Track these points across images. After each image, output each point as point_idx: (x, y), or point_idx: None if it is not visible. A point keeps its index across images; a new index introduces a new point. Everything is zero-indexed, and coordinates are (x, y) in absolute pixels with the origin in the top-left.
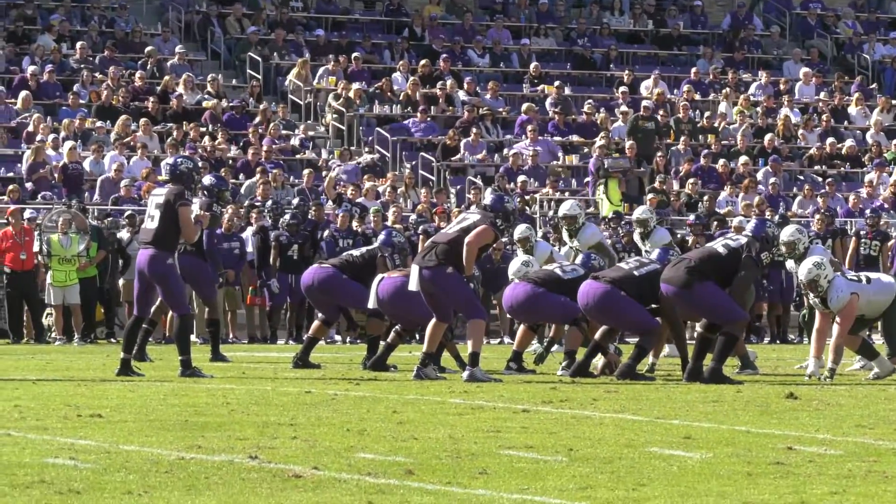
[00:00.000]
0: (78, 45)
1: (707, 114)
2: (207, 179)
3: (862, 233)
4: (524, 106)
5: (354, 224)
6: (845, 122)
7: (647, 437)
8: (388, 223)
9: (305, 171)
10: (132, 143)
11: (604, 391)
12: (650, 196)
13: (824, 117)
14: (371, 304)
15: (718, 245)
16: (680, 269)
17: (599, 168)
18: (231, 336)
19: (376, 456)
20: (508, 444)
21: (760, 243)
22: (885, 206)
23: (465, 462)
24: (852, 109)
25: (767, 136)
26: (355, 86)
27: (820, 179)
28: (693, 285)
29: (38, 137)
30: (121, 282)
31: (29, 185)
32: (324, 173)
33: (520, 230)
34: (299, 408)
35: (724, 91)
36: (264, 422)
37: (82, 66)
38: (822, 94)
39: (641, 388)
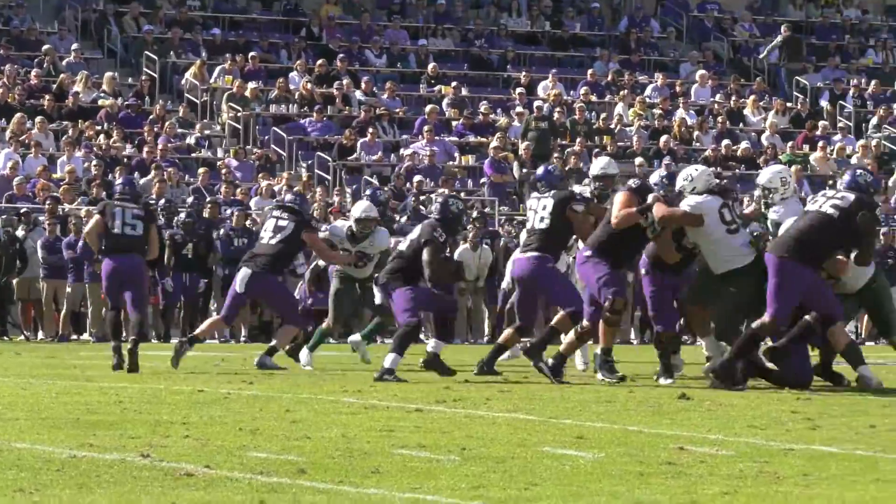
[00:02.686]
0: None
1: (603, 115)
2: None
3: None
4: (427, 108)
5: (248, 223)
6: (741, 125)
7: (539, 436)
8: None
9: (201, 170)
10: (27, 141)
11: (497, 391)
12: None
13: (720, 119)
14: None
15: (826, 207)
16: (788, 238)
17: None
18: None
19: (269, 455)
20: (401, 444)
21: (866, 195)
22: None
23: (357, 461)
24: (748, 112)
25: (663, 138)
26: (251, 85)
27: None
28: (796, 256)
29: None
30: (15, 280)
31: None
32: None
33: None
34: (192, 406)
35: (620, 93)
36: (156, 420)
37: None
38: (717, 97)
39: (535, 387)
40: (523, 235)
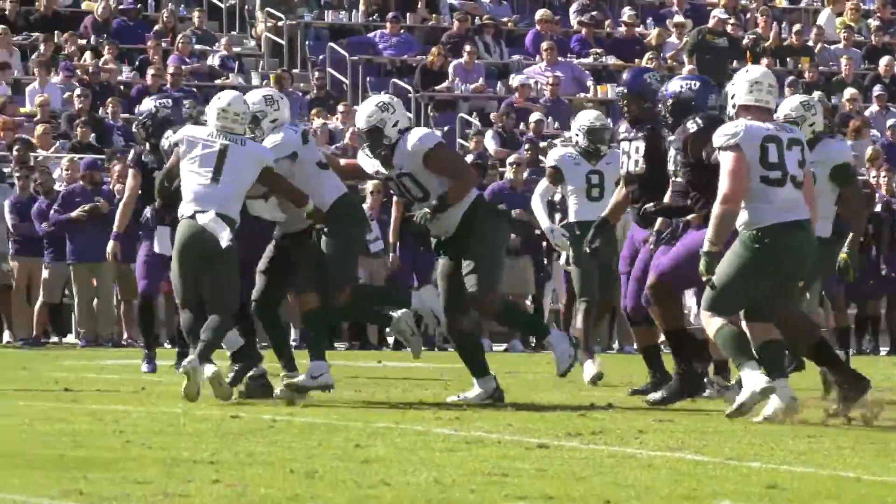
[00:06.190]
0: None
1: (797, 27)
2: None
3: None
4: (538, 14)
5: None
6: None
7: (714, 485)
8: None
9: None
10: None
11: (653, 420)
12: None
13: None
14: None
15: None
16: None
17: None
18: None
19: None
20: (518, 493)
21: None
22: None
23: None
24: None
25: (884, 61)
26: None
27: None
28: None
29: None
30: None
31: None
32: None
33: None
34: (222, 439)
35: None
36: (173, 458)
37: None
38: None
39: (703, 418)
40: None
